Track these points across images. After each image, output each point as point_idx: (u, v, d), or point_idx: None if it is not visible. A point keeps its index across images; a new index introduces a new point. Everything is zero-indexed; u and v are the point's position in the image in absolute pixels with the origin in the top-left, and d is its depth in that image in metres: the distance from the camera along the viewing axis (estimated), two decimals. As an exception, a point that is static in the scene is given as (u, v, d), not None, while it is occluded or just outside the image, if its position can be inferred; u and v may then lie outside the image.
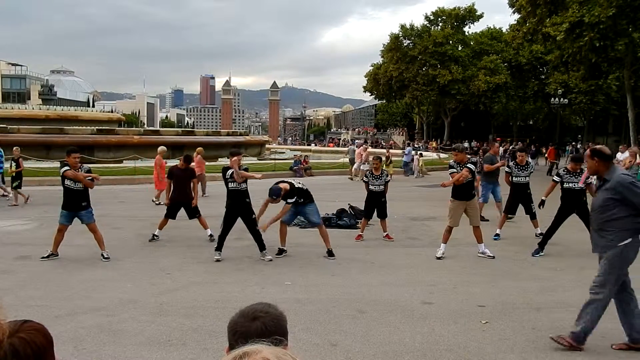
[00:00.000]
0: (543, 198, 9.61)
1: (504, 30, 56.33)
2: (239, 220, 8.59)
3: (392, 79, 58.77)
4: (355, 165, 25.25)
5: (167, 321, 5.60)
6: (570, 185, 9.15)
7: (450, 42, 57.87)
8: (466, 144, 51.40)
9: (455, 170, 8.88)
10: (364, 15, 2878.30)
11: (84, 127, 33.81)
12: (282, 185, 8.61)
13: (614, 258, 4.95)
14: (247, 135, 46.54)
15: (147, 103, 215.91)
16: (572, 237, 9.95)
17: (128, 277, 7.43)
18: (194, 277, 7.44)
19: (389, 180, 10.50)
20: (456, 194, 8.95)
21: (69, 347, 4.84)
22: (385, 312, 6.00)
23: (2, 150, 15.49)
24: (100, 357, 4.70)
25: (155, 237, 9.80)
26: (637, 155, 14.86)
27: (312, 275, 7.62)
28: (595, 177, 9.02)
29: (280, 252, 8.74)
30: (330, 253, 8.75)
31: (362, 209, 11.05)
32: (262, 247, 8.54)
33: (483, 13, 59.49)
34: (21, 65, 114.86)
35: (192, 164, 12.03)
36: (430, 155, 41.23)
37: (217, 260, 8.28)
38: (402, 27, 58.87)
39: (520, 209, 10.73)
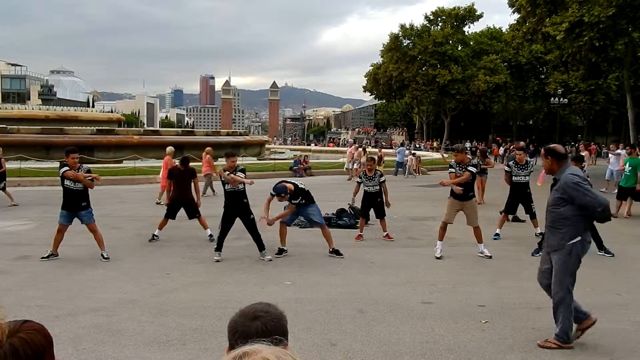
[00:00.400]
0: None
1: (503, 30, 56.44)
2: (239, 221, 8.59)
3: (392, 78, 58.81)
4: (346, 165, 25.26)
5: (166, 321, 5.59)
6: None
7: (450, 42, 57.91)
8: (467, 144, 51.33)
9: (454, 170, 8.87)
10: (364, 15, 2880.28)
11: (84, 127, 33.83)
12: (287, 185, 8.62)
13: (565, 257, 4.99)
14: (247, 135, 46.55)
15: (147, 103, 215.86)
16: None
17: (128, 277, 7.42)
18: (194, 277, 7.43)
19: (384, 180, 10.44)
20: (453, 192, 8.96)
21: (69, 347, 4.84)
22: (385, 311, 6.00)
23: None
24: (100, 357, 4.69)
25: (155, 237, 9.80)
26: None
27: (312, 275, 7.61)
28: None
29: (280, 252, 8.74)
30: (336, 252, 8.77)
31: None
32: (261, 247, 8.54)
33: (483, 13, 59.53)
34: (21, 66, 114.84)
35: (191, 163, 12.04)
36: (430, 155, 41.23)
37: (217, 261, 8.27)
38: (402, 27, 58.92)
39: (520, 208, 10.73)
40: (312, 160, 29.11)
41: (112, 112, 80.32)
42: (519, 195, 10.60)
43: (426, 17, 60.12)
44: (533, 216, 10.64)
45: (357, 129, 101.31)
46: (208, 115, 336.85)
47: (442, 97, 59.06)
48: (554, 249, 5.07)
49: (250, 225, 8.52)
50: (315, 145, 76.49)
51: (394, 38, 58.41)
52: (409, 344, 5.05)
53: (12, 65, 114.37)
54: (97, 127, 33.88)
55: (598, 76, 40.55)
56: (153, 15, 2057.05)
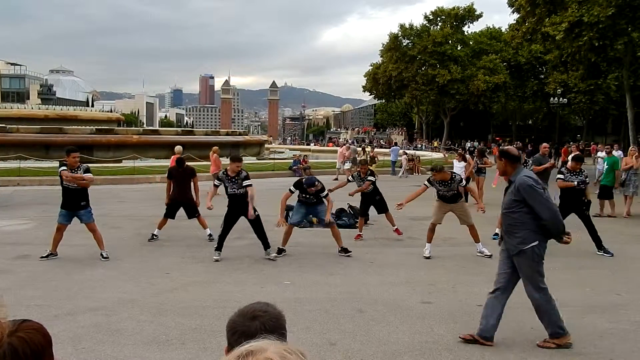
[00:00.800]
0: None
1: (503, 29, 56.43)
2: (241, 220, 8.59)
3: (392, 78, 58.82)
4: (337, 165, 25.20)
5: (166, 321, 5.59)
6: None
7: (450, 41, 57.91)
8: (468, 144, 51.35)
9: (427, 185, 8.94)
10: (364, 15, 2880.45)
11: (83, 127, 33.80)
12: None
13: (528, 262, 4.99)
14: (246, 134, 46.54)
15: (146, 103, 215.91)
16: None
17: (127, 276, 7.42)
18: (193, 277, 7.43)
19: (375, 179, 10.43)
20: (440, 195, 9.01)
21: (68, 346, 4.84)
22: (384, 311, 6.00)
23: None
24: (99, 356, 4.69)
25: (154, 237, 9.80)
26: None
27: (311, 275, 7.62)
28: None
29: (280, 251, 8.74)
30: (345, 250, 8.80)
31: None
32: (266, 245, 8.54)
33: (482, 13, 59.54)
34: (20, 65, 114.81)
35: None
36: (430, 154, 41.25)
37: (216, 260, 8.27)
38: (402, 26, 58.91)
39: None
40: (312, 160, 29.09)
41: (111, 111, 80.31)
42: None
43: (426, 17, 60.14)
44: None
45: (356, 129, 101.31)
46: (207, 115, 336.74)
47: (442, 97, 59.05)
48: (513, 253, 5.05)
49: (255, 224, 8.50)
50: (315, 145, 76.47)
51: (394, 38, 58.42)
52: (408, 344, 5.06)
53: (12, 64, 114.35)
54: (96, 127, 33.86)
55: (597, 76, 40.58)
56: (153, 15, 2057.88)
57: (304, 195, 8.82)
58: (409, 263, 8.46)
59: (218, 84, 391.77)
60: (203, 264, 8.16)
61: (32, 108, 47.04)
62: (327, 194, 8.80)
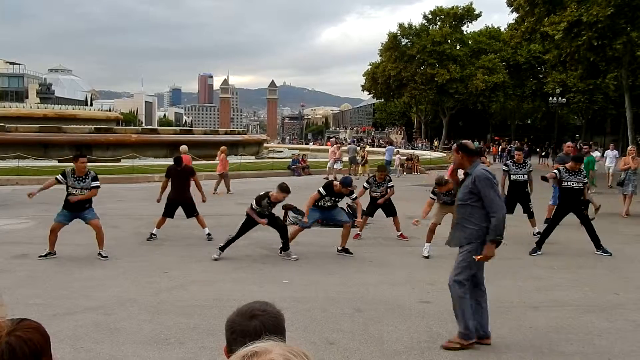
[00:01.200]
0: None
1: (502, 29, 56.47)
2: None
3: (391, 78, 58.83)
4: (329, 164, 25.07)
5: (164, 320, 5.59)
6: (569, 184, 9.17)
7: (449, 41, 57.91)
8: (476, 144, 51.25)
9: (434, 197, 9.06)
10: (363, 14, 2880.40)
11: (82, 126, 33.79)
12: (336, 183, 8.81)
13: (465, 255, 5.02)
14: (245, 134, 46.52)
15: (145, 102, 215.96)
16: (569, 236, 9.98)
17: (126, 275, 7.42)
18: (192, 276, 7.43)
19: (392, 185, 10.48)
20: (440, 197, 9.17)
21: (67, 345, 4.84)
22: (382, 310, 6.00)
23: None
24: (98, 355, 4.69)
25: (153, 236, 9.80)
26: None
27: (310, 274, 7.62)
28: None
29: (281, 251, 8.74)
30: (346, 250, 8.82)
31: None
32: (286, 247, 8.56)
33: (481, 12, 59.56)
34: (19, 64, 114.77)
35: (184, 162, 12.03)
36: (429, 154, 41.27)
37: (216, 260, 8.27)
38: (401, 26, 58.92)
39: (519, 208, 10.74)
40: (310, 160, 29.07)
41: (110, 110, 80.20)
42: (517, 194, 10.63)
43: (425, 16, 60.15)
44: (531, 215, 10.68)
45: (355, 128, 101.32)
46: (206, 114, 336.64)
47: (441, 96, 59.08)
48: (460, 245, 5.09)
49: (282, 229, 8.59)
50: (314, 144, 76.47)
51: (393, 37, 58.41)
52: (407, 343, 5.06)
53: (10, 63, 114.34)
54: (95, 126, 33.80)
55: (596, 76, 40.57)
56: (152, 15, 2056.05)
57: (325, 198, 8.82)
58: (408, 263, 8.46)
59: (217, 83, 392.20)
60: (202, 263, 8.16)
61: (31, 107, 47.03)
62: (356, 197, 8.97)
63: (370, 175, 11.51)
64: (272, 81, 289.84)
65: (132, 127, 50.94)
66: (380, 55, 61.36)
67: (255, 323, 1.62)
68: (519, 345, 5.04)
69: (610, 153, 20.50)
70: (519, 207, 10.74)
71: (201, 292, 6.66)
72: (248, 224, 8.46)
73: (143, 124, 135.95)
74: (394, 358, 4.75)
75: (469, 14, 58.76)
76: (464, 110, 65.83)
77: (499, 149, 40.59)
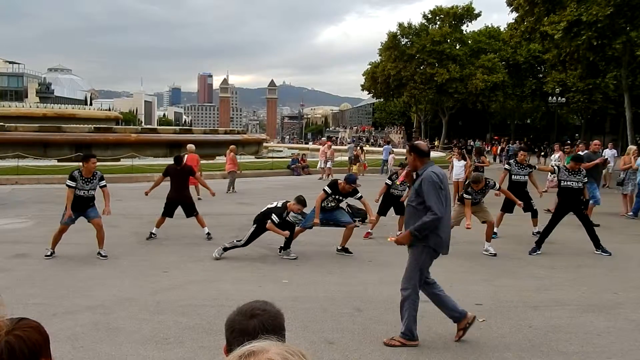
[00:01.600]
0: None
1: (501, 29, 56.46)
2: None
3: (390, 77, 58.80)
4: (319, 164, 24.97)
5: (164, 319, 5.59)
6: (569, 183, 9.17)
7: (448, 40, 57.88)
8: (471, 143, 51.29)
9: (470, 197, 8.98)
10: (362, 14, 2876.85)
11: (82, 125, 33.81)
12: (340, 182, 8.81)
13: (417, 255, 5.05)
14: (245, 133, 46.51)
15: (145, 101, 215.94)
16: (569, 236, 9.99)
17: (125, 275, 7.42)
18: (191, 275, 7.43)
19: (409, 185, 10.53)
20: (461, 200, 9.17)
21: (66, 345, 4.83)
22: (382, 310, 6.00)
23: None
24: (97, 355, 4.69)
25: (152, 236, 9.80)
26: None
27: (309, 274, 7.62)
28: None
29: (281, 249, 8.75)
30: (345, 250, 8.83)
31: (359, 208, 11.09)
32: (287, 246, 8.58)
33: (481, 12, 59.54)
34: (18, 63, 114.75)
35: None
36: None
37: (216, 259, 8.27)
38: (400, 25, 58.90)
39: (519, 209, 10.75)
40: (310, 159, 29.05)
41: (109, 110, 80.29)
42: (518, 194, 10.63)
43: (424, 15, 60.12)
44: (534, 214, 10.68)
45: (355, 128, 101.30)
46: (206, 113, 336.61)
47: (440, 95, 59.07)
48: (409, 245, 5.10)
49: (293, 231, 8.66)
50: (313, 143, 76.43)
51: (392, 37, 58.39)
52: (406, 343, 5.06)
53: (10, 62, 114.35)
54: (94, 125, 33.82)
55: (596, 75, 40.60)
56: (151, 14, 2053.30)
57: (329, 198, 8.82)
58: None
59: (216, 82, 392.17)
60: (201, 263, 8.16)
61: (31, 106, 47.06)
62: (361, 196, 8.94)
63: (392, 172, 11.51)
64: (272, 80, 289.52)
65: (131, 127, 50.98)
66: (380, 55, 61.32)
67: (255, 322, 1.62)
68: (519, 345, 5.04)
69: (609, 152, 20.45)
70: (518, 208, 10.76)
71: (201, 292, 6.65)
72: (258, 233, 8.46)
73: (142, 124, 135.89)
74: (394, 357, 4.75)
75: (469, 13, 58.74)
76: (463, 110, 65.81)
77: (498, 149, 40.60)
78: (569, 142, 31.68)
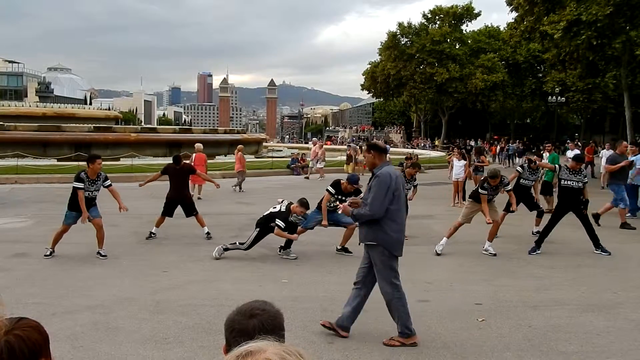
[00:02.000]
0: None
1: (501, 28, 56.50)
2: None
3: (390, 77, 58.85)
4: (310, 164, 24.86)
5: (163, 319, 5.59)
6: (569, 183, 9.16)
7: (448, 40, 57.95)
8: (473, 143, 51.31)
9: (486, 192, 8.96)
10: (362, 13, 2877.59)
11: (81, 125, 33.81)
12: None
13: (378, 256, 5.06)
14: (245, 133, 46.51)
15: (145, 101, 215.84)
16: (568, 236, 9.99)
17: (125, 274, 7.42)
18: (191, 275, 7.43)
19: (417, 185, 10.65)
20: (475, 197, 9.16)
21: (66, 344, 4.83)
22: (382, 309, 5.99)
23: None
24: (97, 354, 4.69)
25: (152, 235, 9.80)
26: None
27: (309, 273, 7.62)
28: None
29: (281, 249, 8.75)
30: (345, 250, 8.85)
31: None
32: (287, 245, 8.60)
33: (481, 11, 59.61)
34: (18, 63, 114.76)
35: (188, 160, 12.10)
36: (428, 153, 41.28)
37: (216, 259, 8.27)
38: (400, 25, 58.96)
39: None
40: (310, 159, 29.03)
41: (109, 109, 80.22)
42: (522, 196, 10.72)
43: (424, 15, 60.20)
44: (540, 215, 10.68)
45: (355, 127, 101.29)
46: (206, 113, 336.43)
47: (440, 95, 59.12)
48: (366, 243, 5.14)
49: (296, 230, 8.69)
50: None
51: (392, 36, 58.43)
52: (406, 342, 5.06)
53: (10, 62, 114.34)
54: (94, 125, 33.82)
55: (595, 75, 40.60)
56: (151, 13, 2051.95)
57: (333, 198, 8.83)
58: (407, 262, 8.42)
59: (216, 82, 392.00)
60: (201, 263, 8.16)
61: (30, 106, 47.05)
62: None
63: (401, 170, 11.53)
64: (272, 80, 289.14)
65: (131, 126, 50.95)
66: (380, 55, 61.38)
67: (255, 322, 1.62)
68: (518, 344, 5.04)
69: (606, 152, 20.34)
70: (522, 207, 10.81)
71: (200, 291, 6.65)
72: (260, 236, 8.47)
73: (142, 123, 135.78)
74: (393, 357, 4.75)
75: (469, 13, 58.80)
76: (463, 110, 65.86)
77: (498, 149, 40.61)
78: (568, 141, 31.69)
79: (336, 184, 8.87)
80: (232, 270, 7.77)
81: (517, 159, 33.15)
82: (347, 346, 4.94)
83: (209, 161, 23.50)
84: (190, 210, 10.02)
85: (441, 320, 5.68)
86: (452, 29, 58.33)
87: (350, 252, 8.79)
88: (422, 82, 57.02)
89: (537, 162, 11.15)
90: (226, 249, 8.42)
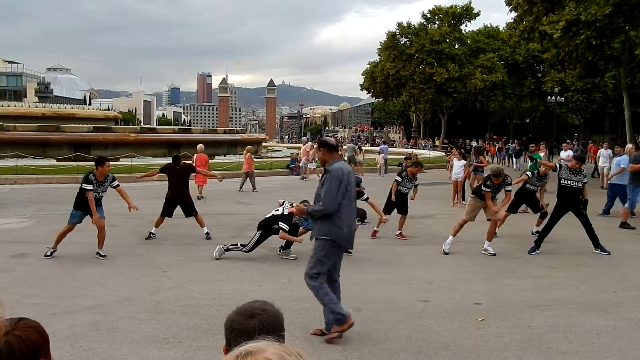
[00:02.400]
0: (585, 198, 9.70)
1: (500, 28, 56.41)
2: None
3: (389, 77, 58.76)
4: (301, 164, 24.74)
5: (163, 319, 5.59)
6: (569, 183, 9.16)
7: (447, 40, 57.86)
8: (474, 144, 51.28)
9: (489, 189, 8.97)
10: (362, 13, 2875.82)
11: (81, 125, 33.79)
12: None
13: (317, 248, 5.13)
14: (244, 133, 46.51)
15: (144, 101, 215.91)
16: (568, 235, 9.98)
17: (124, 275, 7.41)
18: (191, 275, 7.43)
19: (417, 184, 10.68)
20: (478, 194, 9.19)
21: (65, 344, 4.83)
22: (381, 309, 6.01)
23: None
24: (96, 354, 4.69)
25: (151, 235, 9.79)
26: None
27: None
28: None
29: (281, 249, 8.75)
30: (345, 250, 8.81)
31: (358, 207, 11.09)
32: (288, 245, 8.62)
33: (480, 11, 59.54)
34: (17, 63, 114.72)
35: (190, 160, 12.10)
36: (427, 153, 41.28)
37: (217, 259, 8.27)
38: (399, 25, 58.88)
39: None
40: (302, 158, 29.01)
41: (109, 109, 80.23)
42: (526, 197, 10.74)
43: (423, 15, 60.11)
44: (543, 216, 10.67)
45: (354, 127, 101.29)
46: (205, 113, 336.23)
47: (439, 95, 59.05)
48: (315, 237, 5.21)
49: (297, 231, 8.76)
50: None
51: (392, 36, 58.35)
52: (405, 342, 5.07)
53: (9, 62, 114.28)
54: (93, 125, 33.79)
55: (595, 75, 40.57)
56: (151, 13, 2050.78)
57: None
58: (406, 261, 8.46)
59: (216, 82, 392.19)
60: (200, 263, 8.16)
61: (30, 106, 47.05)
62: (367, 198, 9.03)
63: (403, 169, 11.54)
64: (271, 80, 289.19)
65: (130, 126, 51.02)
66: (379, 55, 61.27)
67: (255, 322, 1.63)
68: (518, 344, 5.05)
69: (604, 152, 20.32)
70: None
71: (200, 292, 6.66)
72: (263, 239, 8.47)
73: (142, 123, 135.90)
74: (393, 357, 4.75)
75: (468, 13, 58.73)
76: (462, 109, 65.82)
77: (496, 149, 40.60)
78: (568, 140, 31.66)
79: None
80: (232, 270, 7.77)
81: (514, 159, 33.21)
82: (346, 346, 4.94)
83: (209, 161, 23.56)
84: (190, 211, 10.02)
85: (441, 320, 5.68)
86: (452, 29, 58.26)
87: (350, 253, 8.78)
88: (421, 82, 56.95)
89: (539, 161, 11.19)
90: (227, 250, 8.42)
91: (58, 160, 24.54)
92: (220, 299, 6.26)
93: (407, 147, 53.37)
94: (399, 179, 10.47)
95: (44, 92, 57.68)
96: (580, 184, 9.17)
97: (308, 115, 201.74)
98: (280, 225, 8.26)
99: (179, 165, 10.18)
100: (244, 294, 6.31)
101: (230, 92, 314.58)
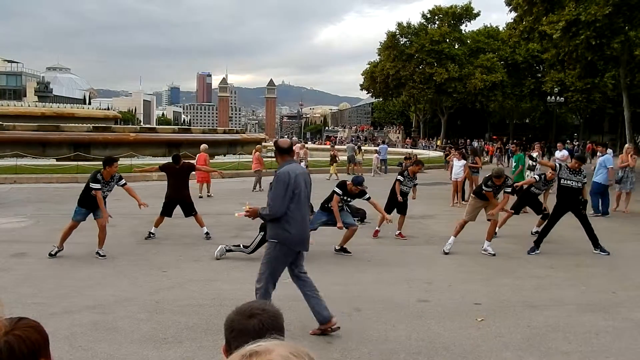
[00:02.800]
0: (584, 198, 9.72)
1: (500, 28, 56.48)
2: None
3: (389, 77, 58.80)
4: None
5: (163, 319, 5.59)
6: (569, 183, 9.15)
7: (447, 40, 57.93)
8: (475, 144, 51.27)
9: (491, 190, 8.98)
10: (361, 13, 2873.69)
11: (80, 125, 33.78)
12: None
13: (268, 251, 5.21)
14: (244, 133, 46.50)
15: (144, 100, 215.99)
16: (567, 235, 9.99)
17: (124, 274, 7.41)
18: (190, 275, 7.43)
19: (416, 183, 10.70)
20: (478, 194, 9.20)
21: (65, 344, 4.83)
22: (381, 310, 6.01)
23: None
24: (96, 354, 4.69)
25: (151, 235, 9.79)
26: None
27: (308, 273, 7.59)
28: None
29: None
30: (344, 250, 8.84)
31: (358, 207, 11.09)
32: None
33: (480, 11, 59.63)
34: (17, 62, 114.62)
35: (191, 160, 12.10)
36: (427, 153, 41.29)
37: (217, 259, 8.26)
38: (399, 25, 58.94)
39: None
40: (309, 159, 29.02)
41: (108, 109, 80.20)
42: (528, 199, 10.74)
43: (423, 15, 60.18)
44: (545, 217, 10.66)
45: (354, 127, 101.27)
46: (205, 112, 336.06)
47: (439, 95, 59.09)
48: (269, 240, 5.27)
49: None
50: (312, 143, 76.27)
51: (391, 36, 58.40)
52: (405, 342, 5.07)
53: (9, 61, 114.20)
54: (93, 125, 33.77)
55: (594, 75, 40.58)
56: (150, 13, 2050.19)
57: (341, 198, 8.83)
58: (406, 262, 8.46)
59: (215, 82, 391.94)
60: (200, 263, 8.15)
61: (29, 106, 47.03)
62: (369, 197, 9.00)
63: (404, 169, 11.55)
64: (271, 80, 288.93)
65: (130, 126, 50.93)
66: (379, 55, 61.31)
67: (255, 322, 1.62)
68: (518, 344, 5.05)
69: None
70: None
71: (199, 291, 6.65)
72: (265, 240, 8.44)
73: (141, 123, 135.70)
74: (392, 357, 4.75)
75: (468, 13, 58.80)
76: (462, 110, 65.87)
77: (495, 149, 40.63)
78: (568, 140, 31.68)
79: (342, 185, 8.89)
80: (232, 270, 7.77)
81: (512, 159, 33.24)
82: (346, 346, 4.94)
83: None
84: (190, 210, 10.01)
85: (440, 320, 5.68)
86: (451, 29, 58.32)
87: (350, 253, 8.80)
88: (421, 82, 56.98)
89: (538, 161, 11.19)
90: (229, 250, 8.41)
91: (58, 160, 24.54)
92: (219, 299, 6.26)
93: (407, 147, 53.30)
94: (400, 178, 10.47)
95: (44, 92, 57.64)
96: (580, 184, 9.17)
97: (308, 115, 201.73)
98: None
99: (179, 165, 10.17)
100: (243, 294, 6.30)
101: (230, 92, 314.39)
